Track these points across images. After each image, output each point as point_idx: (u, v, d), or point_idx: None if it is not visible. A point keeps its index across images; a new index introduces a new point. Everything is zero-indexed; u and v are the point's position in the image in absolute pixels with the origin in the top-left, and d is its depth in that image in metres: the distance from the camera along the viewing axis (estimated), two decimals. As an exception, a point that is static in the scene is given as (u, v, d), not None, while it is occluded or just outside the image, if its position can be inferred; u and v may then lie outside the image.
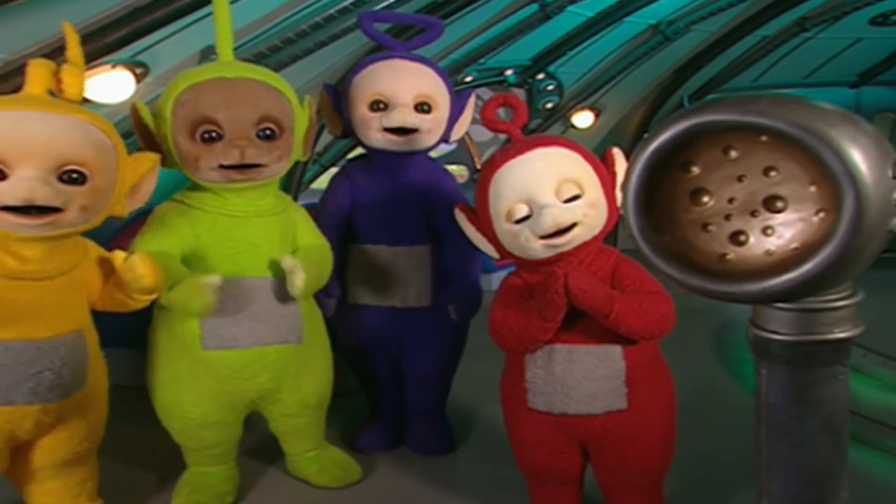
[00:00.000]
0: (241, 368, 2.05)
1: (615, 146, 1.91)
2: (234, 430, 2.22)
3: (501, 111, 1.97)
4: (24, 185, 1.58)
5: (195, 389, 2.08)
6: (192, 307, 1.92)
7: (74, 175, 1.66)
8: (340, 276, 2.46)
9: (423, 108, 2.37)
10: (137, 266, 1.77)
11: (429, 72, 2.42)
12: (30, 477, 1.90)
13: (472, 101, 2.55)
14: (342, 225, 2.48)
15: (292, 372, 2.16)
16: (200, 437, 2.16)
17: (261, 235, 2.08)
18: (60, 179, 1.64)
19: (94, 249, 1.90)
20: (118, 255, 1.81)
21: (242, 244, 2.05)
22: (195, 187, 2.10)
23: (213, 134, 1.97)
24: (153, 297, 1.89)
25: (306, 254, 2.14)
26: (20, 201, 1.58)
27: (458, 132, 2.55)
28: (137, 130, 2.03)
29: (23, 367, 1.70)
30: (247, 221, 2.07)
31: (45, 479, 1.91)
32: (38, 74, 1.72)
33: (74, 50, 1.78)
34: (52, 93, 1.74)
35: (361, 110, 2.37)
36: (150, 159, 1.88)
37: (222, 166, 1.99)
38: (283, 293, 2.07)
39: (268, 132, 2.02)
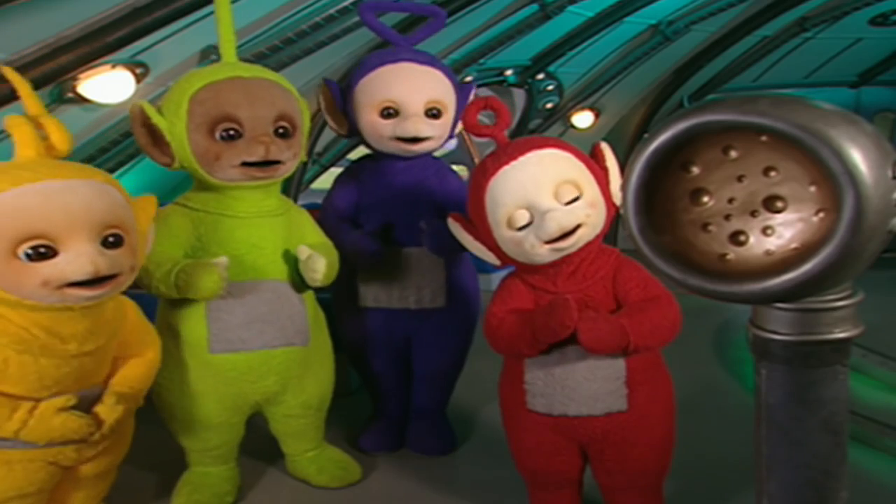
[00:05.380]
0: (247, 371, 2.06)
1: (607, 144, 1.86)
2: (237, 430, 2.23)
3: (483, 115, 1.94)
4: (85, 259, 1.54)
5: (201, 392, 2.09)
6: (202, 287, 1.90)
7: (112, 239, 1.62)
8: (351, 280, 2.45)
9: (432, 113, 2.36)
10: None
11: (438, 75, 2.39)
12: (56, 487, 1.87)
13: (473, 94, 2.50)
14: (349, 219, 2.45)
15: (297, 374, 2.17)
16: (205, 438, 2.17)
17: (264, 237, 2.09)
18: (104, 245, 1.61)
19: (133, 311, 1.87)
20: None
21: (245, 246, 2.06)
22: (198, 189, 2.11)
23: (233, 131, 1.98)
24: None
25: (319, 249, 2.14)
26: (87, 275, 1.55)
27: (459, 125, 2.52)
28: (140, 131, 2.01)
29: None
30: (249, 223, 2.07)
31: (73, 490, 1.91)
32: (25, 135, 1.62)
33: (33, 99, 1.67)
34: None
35: (371, 116, 2.35)
36: (151, 202, 1.81)
37: (245, 163, 1.99)
38: (288, 295, 2.08)
39: (283, 130, 2.05)
